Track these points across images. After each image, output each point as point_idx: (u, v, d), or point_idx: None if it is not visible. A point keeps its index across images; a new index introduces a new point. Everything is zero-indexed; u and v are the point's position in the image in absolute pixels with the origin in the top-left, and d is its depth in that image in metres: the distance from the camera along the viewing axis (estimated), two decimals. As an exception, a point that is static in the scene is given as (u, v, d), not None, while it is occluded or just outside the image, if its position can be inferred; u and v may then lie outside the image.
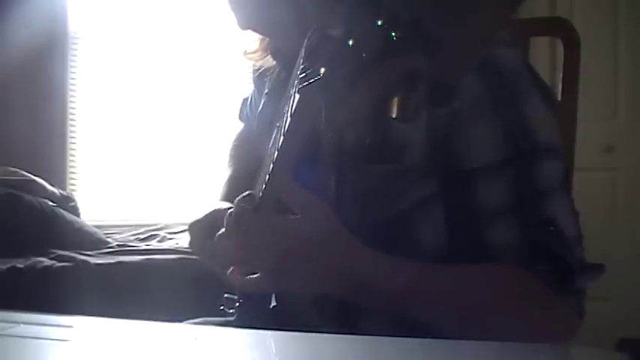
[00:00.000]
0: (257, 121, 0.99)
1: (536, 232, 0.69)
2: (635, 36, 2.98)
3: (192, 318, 0.95)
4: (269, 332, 0.63)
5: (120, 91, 3.39)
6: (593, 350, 0.56)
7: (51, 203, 2.52)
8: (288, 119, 0.59)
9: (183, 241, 2.49)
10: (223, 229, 0.73)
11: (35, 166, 2.74)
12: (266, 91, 0.96)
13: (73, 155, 3.30)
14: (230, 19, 0.83)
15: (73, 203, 2.79)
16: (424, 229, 0.74)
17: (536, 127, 0.71)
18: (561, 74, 1.02)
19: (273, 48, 0.91)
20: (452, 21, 0.41)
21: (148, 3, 3.42)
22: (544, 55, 2.65)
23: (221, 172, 1.09)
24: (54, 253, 2.20)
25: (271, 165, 0.65)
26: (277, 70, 0.93)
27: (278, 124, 0.67)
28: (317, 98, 0.50)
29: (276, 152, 0.64)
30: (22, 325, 0.64)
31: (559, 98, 1.01)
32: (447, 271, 0.70)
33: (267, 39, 0.92)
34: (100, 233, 2.61)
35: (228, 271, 0.76)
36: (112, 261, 2.20)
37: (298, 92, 0.53)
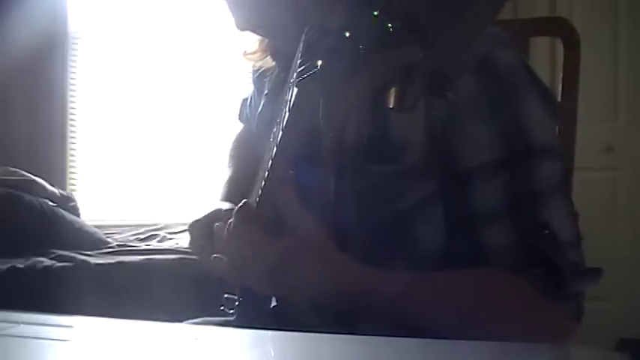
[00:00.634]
0: (257, 121, 0.99)
1: (530, 235, 0.69)
2: (635, 36, 2.98)
3: (192, 318, 0.95)
4: (269, 332, 0.63)
5: (120, 91, 3.39)
6: (593, 350, 0.56)
7: (51, 203, 2.52)
8: (287, 114, 0.59)
9: (183, 241, 2.49)
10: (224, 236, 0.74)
11: (35, 166, 2.74)
12: (265, 91, 0.96)
13: (73, 155, 3.30)
14: (228, 20, 0.83)
15: (73, 203, 2.79)
16: (423, 229, 0.74)
17: (533, 128, 0.71)
18: (561, 74, 1.02)
19: (272, 49, 0.91)
20: (448, 12, 0.41)
21: (148, 3, 3.42)
22: (544, 55, 2.65)
23: (221, 172, 1.09)
24: (54, 253, 2.20)
25: (270, 162, 0.65)
26: (277, 70, 0.93)
27: (277, 120, 0.67)
28: (315, 91, 0.50)
29: (275, 148, 0.64)
30: (22, 325, 0.64)
31: (559, 98, 1.01)
32: (435, 279, 0.70)
33: (267, 40, 0.92)
34: (100, 233, 2.61)
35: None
36: (112, 261, 2.20)
37: (296, 85, 0.53)
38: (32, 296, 1.91)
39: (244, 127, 1.14)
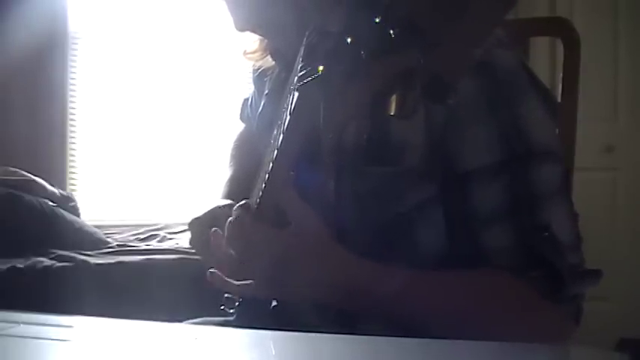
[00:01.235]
0: (257, 121, 0.99)
1: (529, 238, 0.69)
2: (635, 36, 2.98)
3: (192, 318, 0.95)
4: (269, 332, 0.63)
5: (120, 91, 3.39)
6: (593, 350, 0.56)
7: (51, 203, 2.52)
8: (288, 117, 0.59)
9: (183, 241, 2.49)
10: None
11: (35, 166, 2.74)
12: (266, 91, 0.96)
13: (73, 155, 3.30)
14: (228, 20, 0.83)
15: (73, 203, 2.79)
16: (423, 231, 0.74)
17: (533, 130, 0.70)
18: (561, 74, 1.02)
19: (272, 48, 0.91)
20: (449, 18, 0.41)
21: (148, 3, 3.42)
22: (544, 55, 2.65)
23: (222, 172, 1.09)
24: (54, 253, 2.20)
25: (270, 164, 0.65)
26: (277, 70, 0.93)
27: (278, 123, 0.67)
28: (316, 95, 0.50)
29: (276, 151, 0.64)
30: (22, 325, 0.64)
31: (559, 99, 1.01)
32: (436, 278, 0.70)
33: (267, 39, 0.92)
34: (100, 233, 2.61)
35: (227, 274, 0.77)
36: (112, 261, 2.20)
37: (297, 90, 0.53)
38: (32, 296, 1.90)
39: (245, 127, 1.14)
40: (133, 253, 2.34)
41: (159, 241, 2.66)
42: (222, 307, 0.86)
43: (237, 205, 0.73)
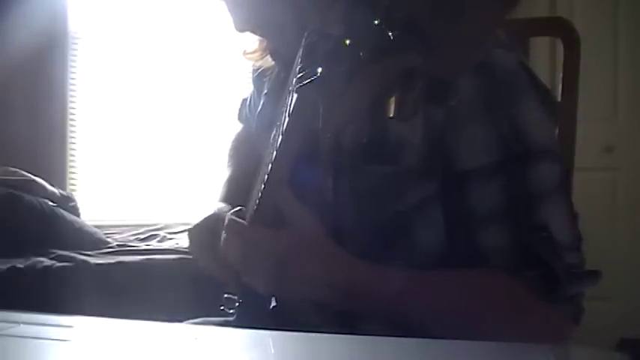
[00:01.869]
0: (256, 121, 0.99)
1: (527, 237, 0.69)
2: (635, 36, 2.98)
3: (192, 318, 0.95)
4: (269, 332, 0.63)
5: (120, 91, 3.39)
6: (593, 350, 0.56)
7: (51, 203, 2.52)
8: (286, 119, 0.59)
9: (184, 241, 2.49)
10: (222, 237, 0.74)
11: (35, 166, 2.74)
12: (265, 91, 0.96)
13: (73, 155, 3.30)
14: (228, 20, 0.83)
15: (73, 203, 2.79)
16: (422, 230, 0.74)
17: (531, 130, 0.70)
18: (561, 74, 1.02)
19: (271, 48, 0.91)
20: (449, 20, 0.41)
21: (148, 3, 3.42)
22: (544, 55, 2.65)
23: (220, 172, 1.09)
24: (54, 253, 2.20)
25: (269, 165, 0.65)
26: (276, 70, 0.93)
27: (277, 124, 0.67)
28: (315, 97, 0.50)
29: (275, 151, 0.64)
30: (22, 325, 0.64)
31: (559, 98, 1.01)
32: (433, 278, 0.70)
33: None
34: (100, 233, 2.61)
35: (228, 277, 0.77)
36: (112, 261, 2.20)
37: (296, 91, 0.53)
38: (32, 296, 1.90)
39: (243, 127, 1.14)
40: (133, 253, 2.34)
41: (159, 241, 2.66)
42: (222, 308, 0.86)
43: (231, 211, 0.74)
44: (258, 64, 0.97)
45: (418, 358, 0.58)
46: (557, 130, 0.94)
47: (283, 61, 0.88)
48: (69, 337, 0.64)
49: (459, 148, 0.70)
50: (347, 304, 0.71)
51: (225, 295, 0.86)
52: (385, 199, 0.75)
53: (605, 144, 2.96)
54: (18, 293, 1.94)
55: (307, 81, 0.49)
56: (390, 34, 0.41)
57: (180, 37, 3.42)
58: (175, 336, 0.67)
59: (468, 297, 0.69)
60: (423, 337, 0.59)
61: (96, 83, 3.36)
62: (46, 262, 2.12)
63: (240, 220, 0.73)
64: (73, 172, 3.30)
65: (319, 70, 0.46)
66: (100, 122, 3.37)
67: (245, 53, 0.96)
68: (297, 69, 0.50)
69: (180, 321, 0.90)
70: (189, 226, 0.89)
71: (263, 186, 0.68)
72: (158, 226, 2.99)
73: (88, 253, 2.29)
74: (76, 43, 3.30)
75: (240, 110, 1.13)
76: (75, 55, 3.29)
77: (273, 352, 0.60)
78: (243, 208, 0.78)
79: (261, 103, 0.97)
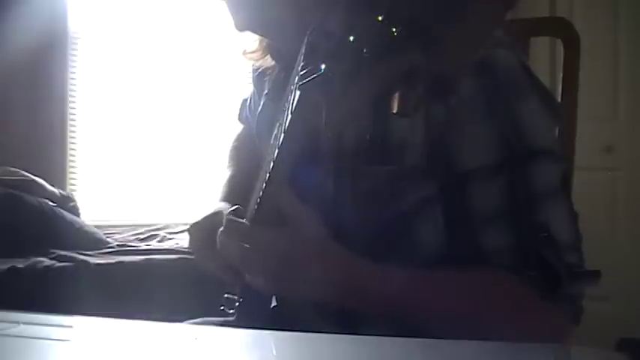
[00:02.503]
0: (256, 121, 0.99)
1: (528, 238, 0.69)
2: (635, 36, 2.98)
3: (192, 318, 0.95)
4: (269, 332, 0.63)
5: (120, 91, 3.39)
6: (593, 350, 0.56)
7: (51, 203, 2.52)
8: (289, 116, 0.59)
9: (184, 241, 2.49)
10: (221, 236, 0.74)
11: (35, 166, 2.74)
12: (265, 91, 0.96)
13: (73, 155, 3.30)
14: (228, 20, 0.83)
15: (73, 203, 2.79)
16: (423, 230, 0.74)
17: (532, 130, 0.70)
18: (561, 74, 1.02)
19: (272, 48, 0.91)
20: (452, 16, 0.41)
21: (148, 3, 3.42)
22: (544, 55, 2.65)
23: (221, 172, 1.09)
24: (54, 253, 2.20)
25: (271, 163, 0.65)
26: (277, 70, 0.92)
27: (279, 122, 0.67)
28: (317, 95, 0.50)
29: (277, 150, 0.64)
30: (22, 325, 0.64)
31: (559, 99, 1.01)
32: (434, 277, 0.70)
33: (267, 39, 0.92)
34: (100, 233, 2.61)
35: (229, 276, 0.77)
36: (112, 261, 2.20)
37: (299, 89, 0.53)
38: (32, 296, 1.91)
39: (244, 128, 1.14)
40: (133, 253, 2.34)
41: (159, 241, 2.66)
42: (222, 308, 0.86)
43: (229, 210, 0.74)
44: (258, 63, 0.97)
45: (419, 358, 0.58)
46: (557, 130, 0.94)
47: (284, 61, 0.88)
48: (69, 337, 0.64)
49: (459, 148, 0.70)
50: (348, 304, 0.71)
51: (225, 295, 0.86)
52: (386, 199, 0.75)
53: (605, 144, 2.96)
54: (18, 293, 1.94)
55: (310, 78, 0.48)
56: (393, 31, 0.41)
57: (181, 36, 3.42)
58: (175, 336, 0.67)
59: (469, 296, 0.69)
60: (424, 337, 0.59)
61: (96, 83, 3.36)
62: (46, 262, 2.12)
63: (240, 220, 0.73)
64: (73, 172, 3.30)
65: (322, 67, 0.46)
66: (99, 122, 3.37)
67: (245, 53, 0.96)
68: (300, 66, 0.50)
69: (180, 321, 0.90)
70: (190, 225, 0.88)
71: (264, 184, 0.68)
72: (158, 226, 2.99)
73: (88, 253, 2.29)
74: (76, 43, 3.30)
75: (241, 111, 1.13)
76: (75, 55, 3.29)
77: (273, 352, 0.60)
78: (240, 207, 0.78)
79: (262, 103, 0.97)
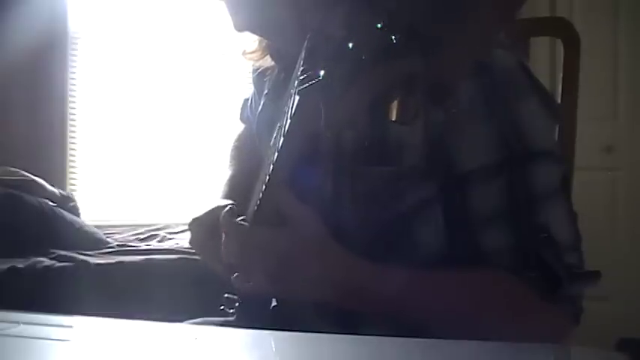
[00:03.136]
0: (256, 121, 0.99)
1: (528, 239, 0.69)
2: (635, 36, 2.98)
3: (192, 318, 0.95)
4: (269, 332, 0.63)
5: (120, 91, 3.39)
6: (593, 350, 0.56)
7: (51, 203, 2.52)
8: (288, 121, 0.59)
9: (184, 241, 2.49)
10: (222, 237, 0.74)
11: (35, 166, 2.74)
12: (265, 91, 0.96)
13: (73, 155, 3.30)
14: (228, 20, 0.83)
15: (73, 203, 2.79)
16: (423, 231, 0.74)
17: (531, 130, 0.70)
18: (561, 74, 1.02)
19: (272, 49, 0.91)
20: (451, 24, 0.41)
21: (148, 3, 3.42)
22: (544, 55, 2.65)
23: (221, 172, 1.09)
24: (54, 253, 2.20)
25: (271, 166, 0.65)
26: (277, 70, 0.92)
27: (279, 125, 0.67)
28: (316, 100, 0.50)
29: (276, 153, 0.64)
30: (22, 325, 0.64)
31: (559, 98, 1.01)
32: (434, 278, 0.70)
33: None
34: (100, 233, 2.61)
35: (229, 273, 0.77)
36: (112, 261, 2.20)
37: (298, 94, 0.53)
38: (32, 296, 1.91)
39: (245, 128, 1.14)
40: (133, 253, 2.34)
41: (159, 241, 2.66)
42: (222, 308, 0.86)
43: (224, 211, 0.74)
44: (258, 64, 0.97)
45: (419, 358, 0.58)
46: (557, 131, 0.94)
47: (283, 62, 0.88)
48: (69, 337, 0.64)
49: (459, 149, 0.70)
50: (347, 304, 0.71)
51: (225, 295, 0.86)
52: (386, 200, 0.74)
53: (605, 144, 2.96)
54: (18, 293, 1.94)
55: (309, 83, 0.49)
56: (392, 37, 0.41)
57: (181, 36, 3.42)
58: (175, 336, 0.67)
59: (469, 297, 0.69)
60: (424, 337, 0.59)
61: (96, 83, 3.36)
62: (46, 262, 2.12)
63: (240, 221, 0.73)
64: (73, 172, 3.30)
65: (321, 73, 0.46)
66: (99, 122, 3.37)
67: (245, 53, 0.96)
68: (300, 71, 0.51)
69: (180, 321, 0.90)
70: (190, 220, 0.88)
71: (264, 187, 0.68)
72: (158, 226, 2.99)
73: (88, 253, 2.29)
74: (76, 43, 3.30)
75: (242, 110, 1.13)
76: (75, 55, 3.29)
77: (273, 352, 0.60)
78: (234, 207, 0.78)
79: (262, 103, 0.97)
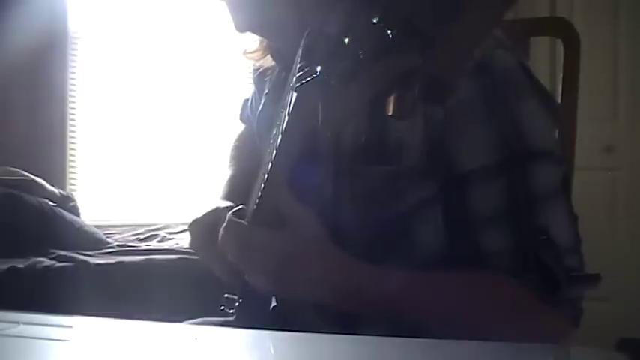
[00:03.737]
0: (257, 121, 0.99)
1: (527, 241, 0.68)
2: (635, 36, 2.98)
3: (192, 318, 0.95)
4: (269, 332, 0.63)
5: (120, 91, 3.39)
6: (593, 350, 0.56)
7: (51, 203, 2.52)
8: (286, 118, 0.59)
9: (184, 241, 2.49)
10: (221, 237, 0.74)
11: (35, 166, 2.74)
12: (266, 91, 0.96)
13: (73, 155, 3.30)
14: (228, 21, 0.83)
15: (73, 203, 2.79)
16: (422, 231, 0.74)
17: (531, 131, 0.70)
18: (561, 74, 1.02)
19: (272, 49, 0.91)
20: (448, 18, 0.41)
21: (148, 3, 3.42)
22: (544, 55, 2.65)
23: (222, 172, 1.09)
24: (54, 253, 2.20)
25: (269, 164, 0.65)
26: (277, 70, 0.92)
27: (277, 123, 0.67)
28: (314, 96, 0.50)
29: (274, 151, 0.64)
30: (22, 325, 0.64)
31: (559, 98, 1.01)
32: (432, 280, 0.70)
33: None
34: (100, 233, 2.61)
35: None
36: (112, 261, 2.20)
37: (295, 90, 0.53)
38: (32, 296, 1.91)
39: (245, 128, 1.14)
40: (133, 253, 2.34)
41: (159, 241, 2.66)
42: (222, 308, 0.86)
43: (231, 211, 0.74)
44: (258, 63, 0.97)
45: (419, 358, 0.58)
46: (557, 132, 0.94)
47: (284, 61, 0.88)
48: (69, 337, 0.64)
49: (458, 149, 0.70)
50: (346, 305, 0.71)
51: (225, 295, 0.86)
52: (386, 199, 0.74)
53: (605, 144, 2.96)
54: (18, 293, 1.94)
55: (306, 80, 0.49)
56: (389, 33, 0.41)
57: (181, 37, 3.42)
58: (175, 336, 0.67)
59: (467, 298, 0.69)
60: (426, 337, 0.59)
61: (96, 83, 3.36)
62: (46, 262, 2.12)
63: (239, 221, 0.73)
64: (73, 172, 3.30)
65: (318, 69, 0.46)
66: (99, 122, 3.37)
67: (245, 53, 0.96)
68: (297, 68, 0.51)
69: (180, 321, 0.90)
70: (190, 221, 0.88)
71: (262, 186, 0.68)
72: (158, 226, 2.99)
73: (88, 253, 2.29)
74: (76, 43, 3.30)
75: (242, 110, 1.13)
76: (75, 55, 3.29)
77: (273, 352, 0.60)
78: (245, 207, 0.78)
79: (262, 102, 0.97)
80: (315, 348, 0.60)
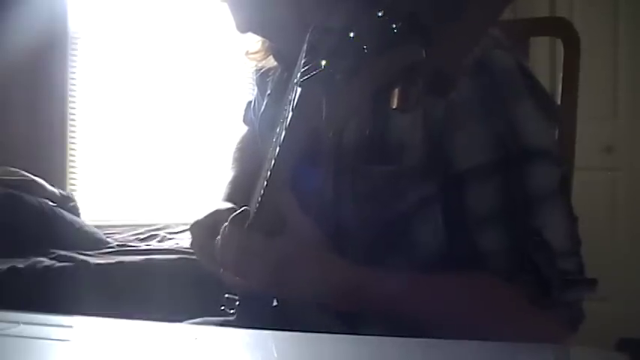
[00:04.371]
0: (259, 121, 0.99)
1: (521, 242, 0.68)
2: (635, 36, 2.98)
3: (192, 318, 0.95)
4: (269, 332, 0.63)
5: (120, 91, 3.39)
6: (593, 350, 0.56)
7: (51, 203, 2.51)
8: (290, 113, 0.59)
9: (184, 241, 2.49)
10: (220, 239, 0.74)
11: (35, 166, 2.74)
12: (268, 91, 0.96)
13: (73, 155, 3.29)
14: (230, 21, 0.83)
15: (73, 203, 2.79)
16: (423, 230, 0.74)
17: (528, 131, 0.70)
18: (561, 74, 1.02)
19: (274, 49, 0.91)
20: (451, 12, 0.41)
21: (149, 3, 3.42)
22: (544, 55, 2.65)
23: (224, 173, 1.09)
24: (54, 253, 2.20)
25: (273, 161, 0.65)
26: (279, 70, 0.92)
27: (281, 120, 0.67)
28: (318, 91, 0.50)
29: (278, 147, 0.64)
30: (22, 325, 0.64)
31: (559, 98, 1.01)
32: (429, 282, 0.70)
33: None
34: (100, 233, 2.61)
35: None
36: (112, 261, 2.20)
37: (299, 85, 0.53)
38: (32, 296, 1.91)
39: (248, 130, 1.14)
40: (133, 253, 2.34)
41: (159, 241, 2.66)
42: (222, 308, 0.86)
43: (234, 213, 0.74)
44: (260, 64, 0.97)
45: (419, 358, 0.58)
46: (556, 132, 0.94)
47: (286, 62, 0.88)
48: (69, 337, 0.64)
49: (457, 147, 0.70)
50: (344, 308, 0.71)
51: (226, 295, 0.86)
52: (386, 199, 0.74)
53: (605, 144, 2.96)
54: (18, 293, 1.94)
55: (311, 75, 0.48)
56: (393, 26, 0.41)
57: (181, 37, 3.42)
58: (175, 336, 0.67)
59: (460, 302, 0.69)
60: (426, 337, 0.59)
61: (96, 83, 3.36)
62: (46, 262, 2.12)
63: (238, 224, 0.73)
64: (73, 172, 3.30)
65: (323, 64, 0.46)
66: (99, 122, 3.36)
67: (247, 53, 0.96)
68: (301, 63, 0.50)
69: (180, 321, 0.90)
70: (192, 223, 0.88)
71: (265, 183, 0.68)
72: (158, 226, 2.99)
73: (88, 253, 2.29)
74: (76, 43, 3.29)
75: (246, 113, 1.13)
76: (75, 55, 3.29)
77: (273, 352, 0.60)
78: (248, 209, 0.78)
79: (264, 103, 0.97)
80: (315, 348, 0.60)
